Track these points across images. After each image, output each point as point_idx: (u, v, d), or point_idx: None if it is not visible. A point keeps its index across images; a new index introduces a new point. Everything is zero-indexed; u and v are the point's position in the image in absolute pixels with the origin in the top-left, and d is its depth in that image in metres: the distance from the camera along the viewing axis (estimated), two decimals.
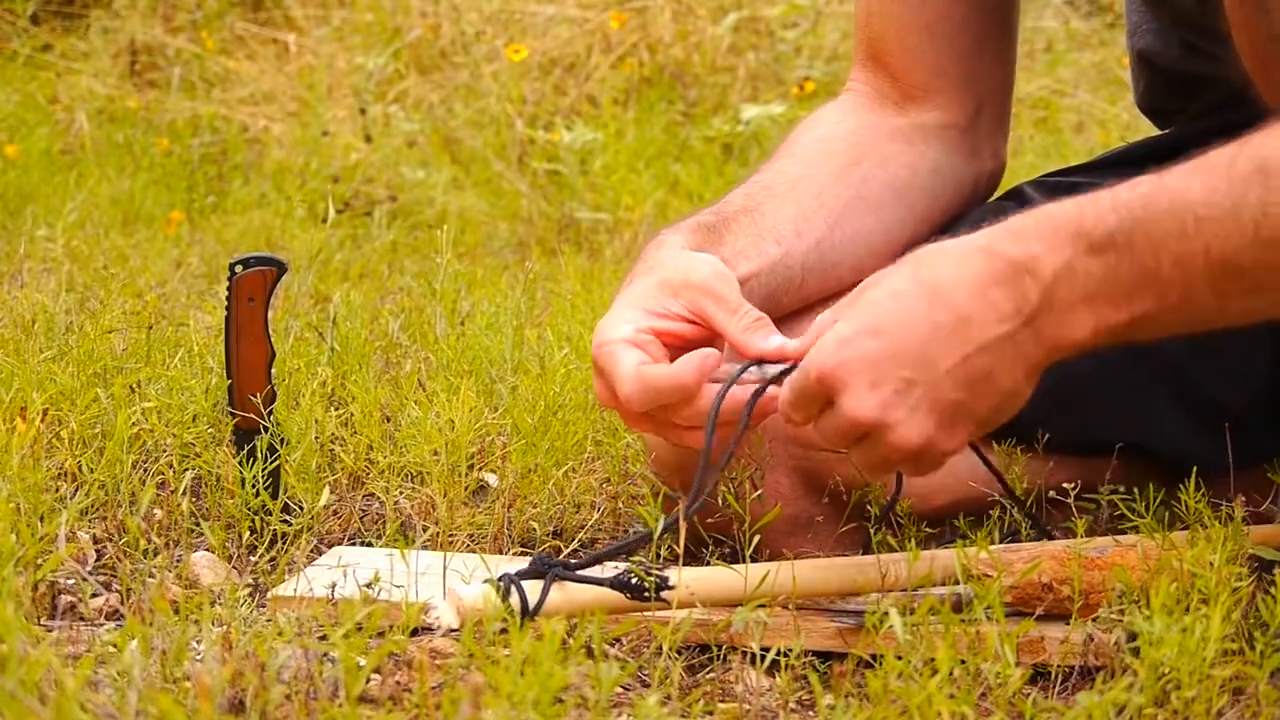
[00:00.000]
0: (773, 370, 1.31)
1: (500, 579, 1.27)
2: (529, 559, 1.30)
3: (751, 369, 1.31)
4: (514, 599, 1.25)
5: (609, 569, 1.30)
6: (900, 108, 1.60)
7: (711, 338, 1.35)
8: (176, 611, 1.20)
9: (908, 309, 1.21)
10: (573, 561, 1.30)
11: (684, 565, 1.33)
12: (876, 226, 1.54)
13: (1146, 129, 1.83)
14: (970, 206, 1.62)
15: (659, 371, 1.32)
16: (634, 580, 1.28)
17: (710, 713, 1.20)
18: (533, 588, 1.27)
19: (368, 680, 1.20)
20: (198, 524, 1.54)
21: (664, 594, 1.28)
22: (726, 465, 1.33)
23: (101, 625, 1.35)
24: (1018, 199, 1.64)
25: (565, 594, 1.28)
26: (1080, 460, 1.53)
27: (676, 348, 1.35)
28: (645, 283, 1.38)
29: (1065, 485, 1.43)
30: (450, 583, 1.33)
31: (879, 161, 1.56)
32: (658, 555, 1.51)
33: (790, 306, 1.47)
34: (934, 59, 1.59)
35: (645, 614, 1.30)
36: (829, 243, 1.51)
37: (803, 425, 1.28)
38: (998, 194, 1.68)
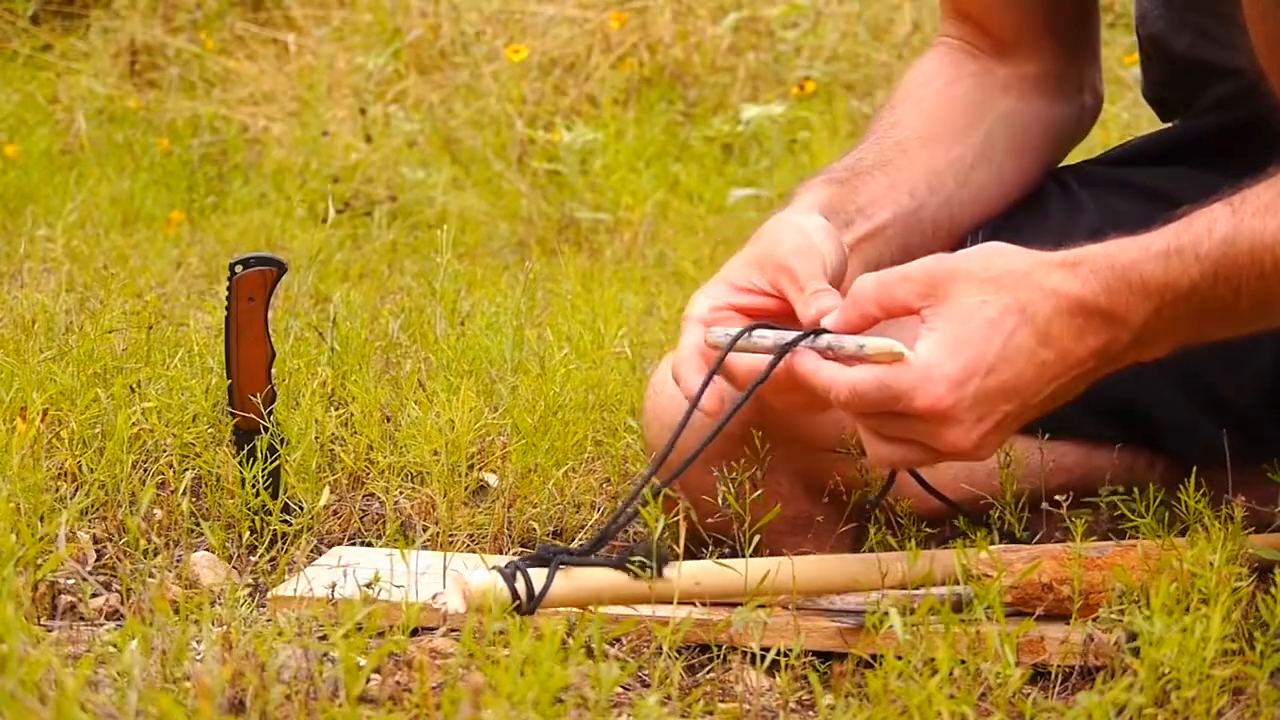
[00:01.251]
0: (788, 336, 1.31)
1: (507, 566, 1.28)
2: (535, 548, 1.31)
3: (761, 332, 1.32)
4: (520, 586, 1.26)
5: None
6: (999, 58, 1.64)
7: (791, 311, 1.37)
8: (176, 611, 1.20)
9: (1017, 349, 1.26)
10: (577, 549, 1.31)
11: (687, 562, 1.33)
12: (996, 183, 1.60)
13: (1146, 128, 1.83)
14: (1074, 144, 1.70)
15: (688, 373, 1.36)
16: (637, 559, 1.29)
17: (710, 713, 1.20)
18: (538, 576, 1.28)
19: (368, 680, 1.20)
20: (198, 524, 1.54)
21: (668, 575, 1.29)
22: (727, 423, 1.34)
23: (101, 625, 1.35)
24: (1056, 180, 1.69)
25: (570, 582, 1.29)
26: (1082, 452, 1.53)
27: (763, 320, 1.37)
28: (742, 255, 1.41)
29: (1060, 499, 1.44)
30: (457, 568, 1.33)
31: (998, 119, 1.61)
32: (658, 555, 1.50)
33: (918, 256, 1.50)
34: (1018, 14, 1.63)
35: (646, 613, 1.30)
36: (957, 199, 1.56)
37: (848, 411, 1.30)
38: None
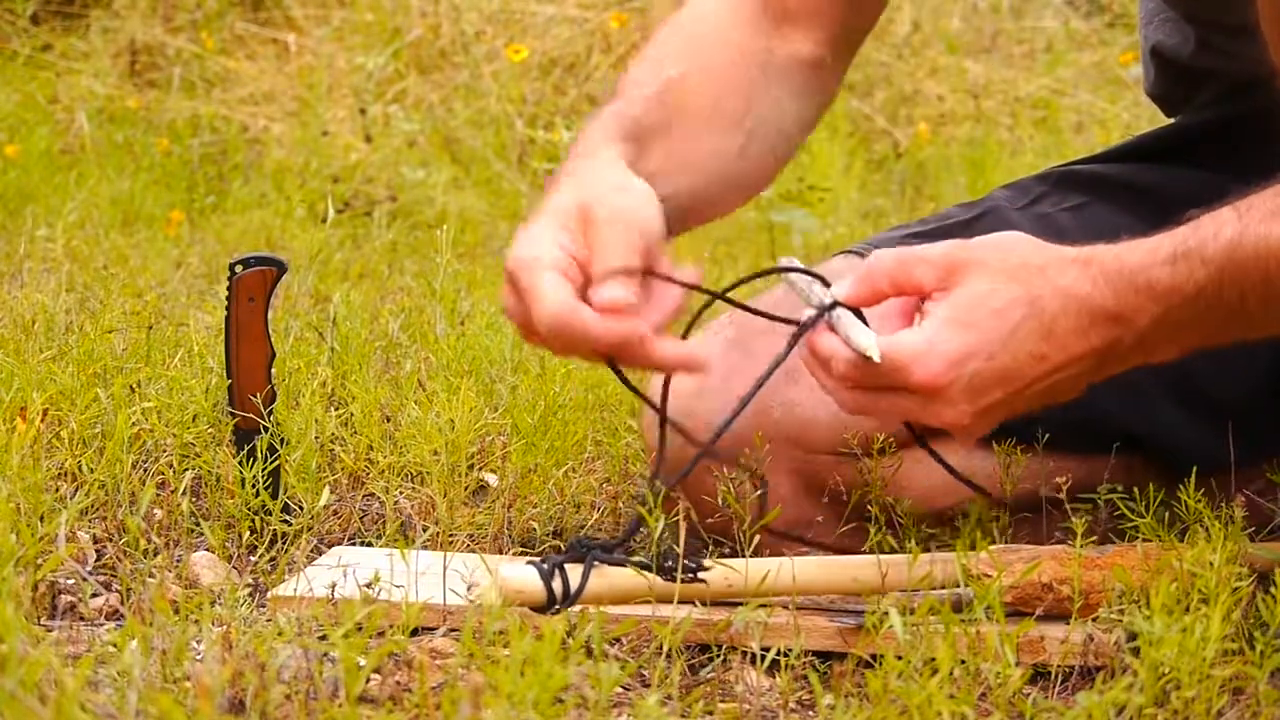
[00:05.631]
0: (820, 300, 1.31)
1: (544, 561, 1.30)
2: (568, 543, 1.33)
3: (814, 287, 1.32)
4: (556, 583, 1.29)
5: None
6: (777, 27, 1.60)
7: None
8: (176, 611, 1.20)
9: (1020, 340, 1.27)
10: (610, 542, 1.33)
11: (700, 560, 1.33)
12: (755, 170, 1.58)
13: (1146, 128, 1.83)
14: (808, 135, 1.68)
15: (585, 318, 1.27)
16: (669, 564, 1.31)
17: (710, 713, 1.20)
18: (574, 573, 1.31)
19: (368, 680, 1.20)
20: (198, 524, 1.54)
21: (702, 576, 1.31)
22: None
23: (101, 625, 1.35)
24: (1052, 182, 1.70)
25: (604, 580, 1.31)
26: (1080, 460, 1.53)
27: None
28: (566, 199, 1.34)
29: (1059, 482, 1.44)
30: (492, 563, 1.34)
31: (765, 107, 1.58)
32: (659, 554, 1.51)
33: (679, 231, 1.48)
34: None
35: (646, 613, 1.30)
36: (720, 183, 1.53)
37: (842, 386, 1.30)
38: (1033, 174, 1.75)
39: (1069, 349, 1.27)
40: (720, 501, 1.41)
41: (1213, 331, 1.31)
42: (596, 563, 1.32)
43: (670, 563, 1.32)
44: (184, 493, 1.49)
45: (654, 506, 1.31)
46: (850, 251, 1.63)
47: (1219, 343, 1.33)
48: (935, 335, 1.26)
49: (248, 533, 1.54)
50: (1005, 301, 1.26)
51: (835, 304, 1.29)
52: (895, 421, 1.34)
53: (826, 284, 1.32)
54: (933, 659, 1.12)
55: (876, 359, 1.25)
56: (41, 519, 1.43)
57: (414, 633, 1.28)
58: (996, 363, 1.26)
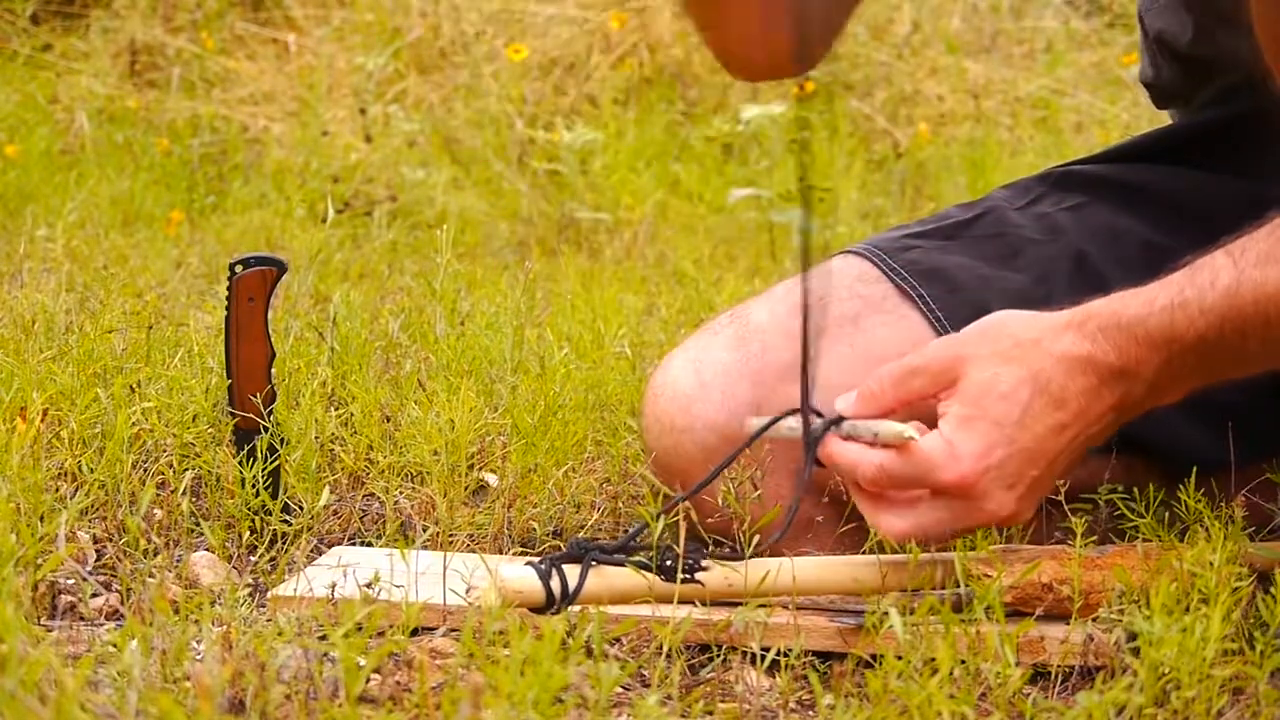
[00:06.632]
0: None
1: (541, 561, 1.31)
2: (568, 543, 1.34)
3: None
4: (554, 582, 1.30)
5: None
6: None
7: None
8: (176, 611, 1.20)
9: (1035, 416, 1.29)
10: (608, 544, 1.33)
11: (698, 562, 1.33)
12: None
13: (1146, 129, 1.83)
14: None
15: None
16: (669, 563, 1.32)
17: (710, 713, 1.20)
18: (572, 573, 1.31)
19: (368, 680, 1.20)
20: (198, 524, 1.54)
21: (699, 576, 1.32)
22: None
23: (101, 625, 1.35)
24: (1052, 182, 1.70)
25: (602, 580, 1.31)
26: (1080, 460, 1.53)
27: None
28: None
29: (1058, 484, 1.45)
30: (492, 563, 1.34)
31: None
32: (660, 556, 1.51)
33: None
34: None
35: (646, 613, 1.30)
36: None
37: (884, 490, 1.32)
38: (1033, 174, 1.75)
39: (1086, 412, 1.29)
40: (720, 501, 1.41)
41: (1216, 371, 1.33)
42: (596, 563, 1.32)
43: (669, 563, 1.32)
44: (184, 493, 1.49)
45: (649, 506, 1.31)
46: (850, 251, 1.63)
47: (1223, 379, 1.34)
48: (954, 435, 1.28)
49: (248, 533, 1.54)
50: (1010, 385, 1.28)
51: (841, 419, 1.32)
52: (925, 527, 1.34)
53: (820, 415, 1.34)
54: (933, 659, 1.12)
55: (918, 437, 1.27)
56: (41, 519, 1.43)
57: (414, 633, 1.28)
58: (1019, 445, 1.28)
